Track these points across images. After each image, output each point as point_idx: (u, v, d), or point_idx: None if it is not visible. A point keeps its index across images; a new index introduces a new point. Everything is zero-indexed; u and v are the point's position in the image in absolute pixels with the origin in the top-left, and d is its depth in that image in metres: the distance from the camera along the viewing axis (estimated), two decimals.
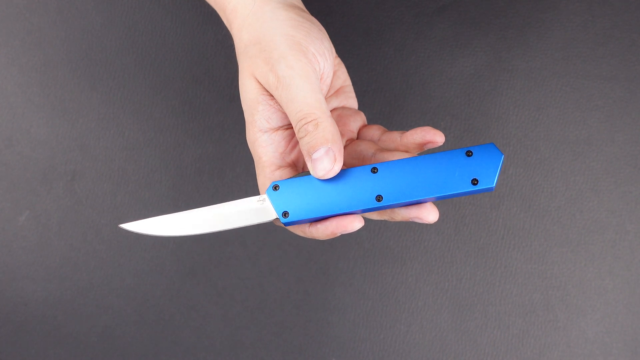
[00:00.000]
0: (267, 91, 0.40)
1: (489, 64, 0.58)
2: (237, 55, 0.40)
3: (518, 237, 0.58)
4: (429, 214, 0.38)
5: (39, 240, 0.60)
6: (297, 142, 0.40)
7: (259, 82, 0.40)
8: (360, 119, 0.44)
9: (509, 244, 0.58)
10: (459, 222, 0.59)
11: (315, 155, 0.38)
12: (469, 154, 0.38)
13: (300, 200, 0.38)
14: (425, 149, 0.40)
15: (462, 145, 0.58)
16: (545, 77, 0.58)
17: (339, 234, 0.38)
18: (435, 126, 0.59)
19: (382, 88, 0.59)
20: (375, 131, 0.42)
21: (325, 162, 0.38)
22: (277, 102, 0.40)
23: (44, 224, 0.60)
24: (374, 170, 0.38)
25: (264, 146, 0.40)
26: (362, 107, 0.59)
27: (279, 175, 0.40)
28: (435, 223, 0.59)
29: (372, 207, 0.38)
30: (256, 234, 0.59)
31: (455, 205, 0.59)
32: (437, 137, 0.39)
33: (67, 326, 0.59)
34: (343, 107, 0.43)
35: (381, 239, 0.59)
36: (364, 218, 0.45)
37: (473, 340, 0.58)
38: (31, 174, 0.59)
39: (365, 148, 0.40)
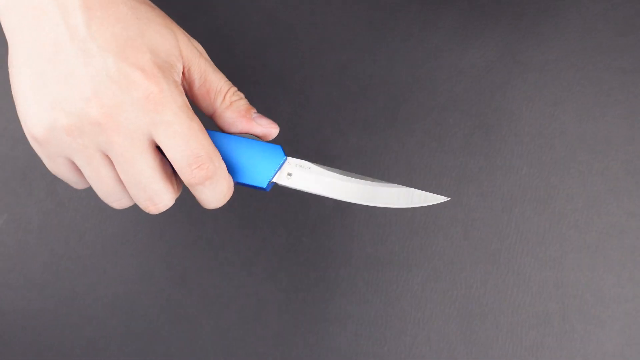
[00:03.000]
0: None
1: (501, 56, 0.59)
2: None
3: (532, 242, 0.58)
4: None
5: (17, 246, 0.59)
6: None
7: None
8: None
9: (522, 249, 0.58)
10: (469, 226, 0.59)
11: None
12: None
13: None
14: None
15: (473, 142, 0.58)
16: (562, 70, 0.59)
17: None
18: (443, 122, 0.58)
19: (386, 81, 0.59)
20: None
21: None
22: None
23: (23, 228, 0.59)
24: None
25: None
26: (364, 101, 0.59)
27: None
28: (444, 227, 0.58)
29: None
30: (252, 238, 0.59)
31: (465, 208, 0.58)
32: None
33: (48, 338, 0.59)
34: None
35: (385, 244, 0.59)
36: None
37: (484, 353, 0.58)
38: (10, 173, 0.59)
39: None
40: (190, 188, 0.42)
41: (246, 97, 0.59)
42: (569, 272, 0.58)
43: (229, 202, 0.59)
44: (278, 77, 0.59)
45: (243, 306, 0.59)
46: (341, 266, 0.58)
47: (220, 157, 0.41)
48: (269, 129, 0.44)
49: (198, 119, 0.41)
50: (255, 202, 0.59)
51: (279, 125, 0.58)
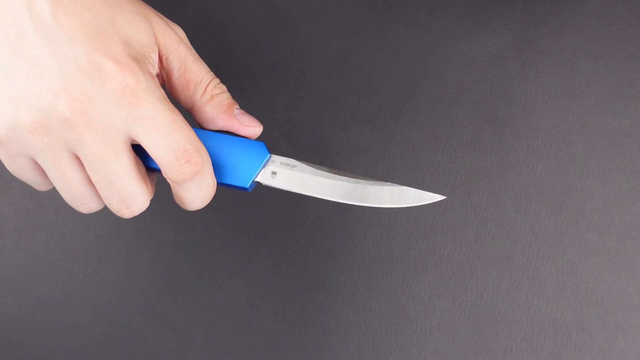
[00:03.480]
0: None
1: (515, 44, 0.58)
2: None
3: (548, 244, 0.58)
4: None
5: None
6: None
7: None
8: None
9: (537, 252, 0.58)
10: (480, 228, 0.58)
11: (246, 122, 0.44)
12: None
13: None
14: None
15: (485, 138, 0.58)
16: (580, 59, 0.58)
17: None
18: (453, 116, 0.58)
19: (390, 71, 0.59)
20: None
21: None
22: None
23: None
24: None
25: None
26: (367, 93, 0.59)
27: None
28: (453, 229, 0.58)
29: None
30: (245, 241, 0.58)
31: (475, 209, 0.58)
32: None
33: (26, 348, 0.58)
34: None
35: (389, 247, 0.58)
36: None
37: None
38: None
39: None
40: (175, 186, 0.41)
41: (239, 89, 0.59)
42: (588, 277, 0.58)
43: (219, 201, 0.59)
44: (274, 68, 0.59)
45: (235, 314, 0.58)
46: (342, 271, 0.58)
47: (206, 150, 0.41)
48: (252, 128, 0.44)
49: (179, 112, 0.40)
50: (249, 202, 0.59)
51: (275, 120, 0.59)
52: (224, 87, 0.44)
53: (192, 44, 0.59)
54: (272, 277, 0.59)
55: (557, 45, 0.58)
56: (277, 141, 0.59)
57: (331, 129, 0.59)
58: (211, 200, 0.59)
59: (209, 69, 0.43)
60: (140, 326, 0.58)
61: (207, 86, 0.43)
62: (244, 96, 0.59)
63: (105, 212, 0.60)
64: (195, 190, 0.41)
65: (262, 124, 0.55)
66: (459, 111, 0.58)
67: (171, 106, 0.39)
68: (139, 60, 0.39)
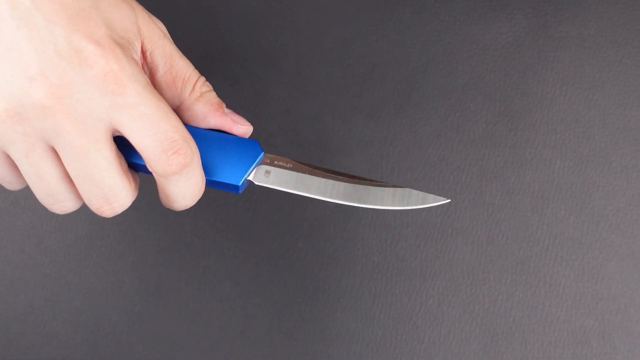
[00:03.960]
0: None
1: (531, 31, 0.59)
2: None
3: (567, 247, 0.58)
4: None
5: None
6: None
7: None
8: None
9: (555, 256, 0.58)
10: (493, 229, 0.58)
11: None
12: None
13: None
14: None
15: (498, 132, 0.59)
16: (602, 47, 0.58)
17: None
18: (463, 108, 0.59)
19: (396, 60, 0.59)
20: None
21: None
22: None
23: None
24: None
25: None
26: (370, 83, 0.59)
27: None
28: (464, 230, 0.58)
29: None
30: (238, 243, 0.59)
31: (488, 209, 0.58)
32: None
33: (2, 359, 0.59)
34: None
35: (395, 250, 0.58)
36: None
37: None
38: None
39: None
40: (162, 181, 0.41)
41: (231, 79, 0.59)
42: (610, 282, 0.58)
43: (211, 200, 0.59)
44: (269, 56, 0.59)
45: (228, 323, 0.59)
46: (343, 276, 0.59)
47: (194, 140, 0.41)
48: (244, 126, 0.45)
49: (164, 100, 0.41)
50: (243, 201, 0.59)
51: (271, 112, 0.59)
52: (210, 85, 0.45)
53: (180, 29, 0.59)
54: (267, 282, 0.59)
55: (577, 32, 0.59)
56: (273, 136, 0.59)
57: (331, 122, 0.59)
58: (201, 200, 0.59)
59: (193, 66, 0.44)
60: (125, 335, 0.59)
61: (195, 83, 0.43)
62: (237, 87, 0.59)
63: (86, 211, 0.59)
64: (184, 185, 0.41)
65: (256, 116, 0.58)
66: (469, 102, 0.59)
67: (157, 94, 0.39)
68: (122, 45, 0.39)
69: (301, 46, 0.59)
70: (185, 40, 0.60)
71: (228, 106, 0.58)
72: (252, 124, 0.58)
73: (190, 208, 0.59)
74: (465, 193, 0.58)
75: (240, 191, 0.44)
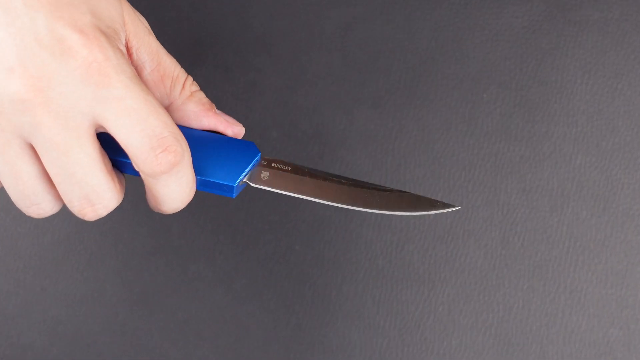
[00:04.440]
0: None
1: (549, 14, 0.59)
2: None
3: (588, 250, 0.57)
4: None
5: None
6: None
7: None
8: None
9: (576, 260, 0.58)
10: (508, 231, 0.58)
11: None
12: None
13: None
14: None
15: (514, 124, 0.59)
16: (626, 32, 0.58)
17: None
18: (475, 99, 0.59)
19: (402, 47, 0.59)
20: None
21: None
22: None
23: None
24: None
25: None
26: (374, 72, 0.59)
27: None
28: (476, 232, 0.58)
29: None
30: (230, 246, 0.58)
31: (503, 209, 0.58)
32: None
33: None
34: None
35: (401, 254, 0.58)
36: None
37: None
38: None
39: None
40: (150, 181, 0.41)
41: (223, 67, 0.59)
42: (636, 289, 0.58)
43: (200, 200, 0.59)
44: (264, 42, 0.59)
45: (219, 333, 0.58)
46: (345, 282, 0.58)
47: (185, 139, 0.41)
48: (238, 127, 0.46)
49: (153, 93, 0.42)
50: (235, 201, 0.59)
51: (266, 103, 0.59)
52: (197, 84, 0.46)
53: (166, 13, 0.60)
54: (262, 288, 0.59)
55: (599, 15, 0.59)
56: (268, 129, 0.59)
57: (331, 114, 0.59)
58: (191, 200, 0.57)
59: (179, 64, 0.46)
60: (106, 347, 0.59)
61: (184, 82, 0.44)
62: (229, 76, 0.59)
63: (64, 212, 0.59)
64: (174, 186, 0.41)
65: (249, 108, 0.58)
66: (482, 93, 0.59)
67: (144, 87, 0.40)
68: (108, 34, 0.39)
69: (298, 31, 0.59)
70: (172, 25, 0.60)
71: (219, 96, 0.59)
72: (245, 116, 0.59)
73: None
74: (478, 191, 0.58)
75: (235, 194, 0.44)
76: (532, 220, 0.58)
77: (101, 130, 0.40)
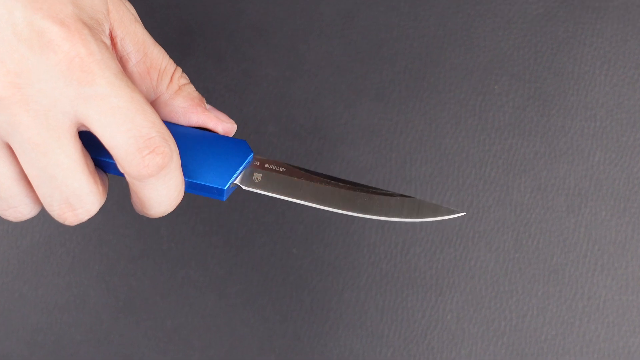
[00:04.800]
0: None
1: (566, 0, 0.59)
2: None
3: (608, 254, 0.57)
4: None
5: None
6: None
7: None
8: None
9: (594, 264, 0.57)
10: (521, 233, 0.58)
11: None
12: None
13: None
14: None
15: (527, 118, 0.58)
16: None
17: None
18: (486, 91, 0.59)
19: (408, 35, 0.59)
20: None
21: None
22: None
23: None
24: None
25: None
26: (378, 62, 0.59)
27: None
28: (487, 234, 0.58)
29: None
30: (223, 250, 0.58)
31: (516, 209, 0.58)
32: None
33: None
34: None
35: (407, 257, 0.58)
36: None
37: None
38: None
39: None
40: (136, 184, 0.41)
41: (216, 57, 0.59)
42: None
43: (190, 200, 0.59)
44: (259, 29, 0.59)
45: (211, 343, 0.59)
46: (346, 288, 0.58)
47: (173, 139, 0.41)
48: (229, 124, 0.45)
49: (139, 90, 0.41)
50: (228, 201, 0.58)
51: (261, 95, 0.59)
52: (187, 77, 0.45)
53: (157, 1, 0.60)
54: (256, 295, 0.59)
55: (619, 1, 0.59)
56: (264, 123, 0.58)
57: (332, 107, 0.59)
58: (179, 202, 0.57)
59: (168, 55, 0.45)
60: (89, 357, 0.59)
61: (172, 74, 0.44)
62: (221, 66, 0.59)
63: (45, 213, 0.59)
64: (161, 189, 0.41)
65: (243, 100, 0.59)
66: (494, 84, 0.59)
67: (130, 83, 0.39)
68: (91, 26, 0.39)
69: (296, 18, 0.59)
70: (160, 11, 0.60)
71: (211, 88, 0.59)
72: (238, 109, 0.59)
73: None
74: (489, 190, 0.58)
75: (225, 197, 0.44)
76: (547, 221, 0.58)
77: (83, 129, 0.40)
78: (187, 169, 0.44)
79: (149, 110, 0.40)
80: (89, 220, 0.58)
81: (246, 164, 0.44)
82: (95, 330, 0.58)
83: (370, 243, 0.58)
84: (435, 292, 0.58)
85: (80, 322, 0.58)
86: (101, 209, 0.59)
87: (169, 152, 0.40)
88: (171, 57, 0.55)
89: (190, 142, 0.44)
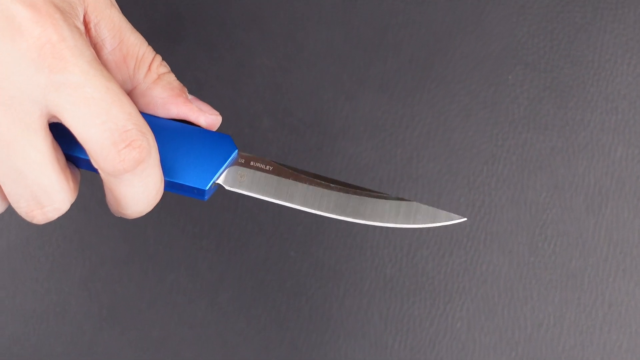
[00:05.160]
0: None
1: None
2: None
3: (630, 257, 0.57)
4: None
5: None
6: None
7: None
8: None
9: (616, 268, 0.56)
10: (537, 235, 0.57)
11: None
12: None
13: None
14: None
15: (543, 111, 0.58)
16: None
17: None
18: (499, 81, 0.58)
19: (414, 21, 0.58)
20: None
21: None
22: None
23: None
24: None
25: None
26: (382, 50, 0.59)
27: None
28: (499, 236, 0.57)
29: None
30: (214, 253, 0.58)
31: (531, 208, 0.57)
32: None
33: None
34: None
35: (413, 261, 0.57)
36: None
37: None
38: None
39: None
40: (111, 181, 0.40)
41: (206, 46, 0.59)
42: None
43: (179, 199, 0.58)
44: (253, 15, 0.58)
45: (201, 354, 0.58)
46: (348, 294, 0.58)
47: (152, 132, 0.40)
48: (212, 116, 0.45)
49: (115, 80, 0.41)
50: (220, 199, 0.58)
51: (256, 87, 0.59)
52: (168, 66, 0.45)
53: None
54: (251, 302, 0.58)
55: None
56: (258, 117, 0.58)
57: (332, 99, 0.58)
58: (168, 197, 0.59)
59: (147, 42, 0.45)
60: None
61: (151, 63, 0.43)
62: (213, 55, 0.58)
63: (16, 215, 0.57)
64: (138, 186, 0.40)
65: (237, 92, 0.59)
66: (507, 74, 0.58)
67: (106, 72, 0.39)
68: (63, 10, 0.39)
69: (294, 3, 0.59)
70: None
71: (202, 78, 0.59)
72: (231, 101, 0.59)
73: (154, 208, 0.58)
74: (502, 188, 0.57)
75: (206, 197, 0.43)
76: (565, 222, 0.57)
77: (54, 120, 0.39)
78: (164, 167, 0.43)
79: (125, 101, 0.39)
80: (70, 221, 0.59)
81: (230, 162, 0.44)
82: (76, 341, 0.58)
83: (374, 245, 0.58)
84: (444, 298, 0.57)
85: (61, 332, 0.58)
86: (83, 208, 0.59)
87: (147, 147, 0.39)
88: (159, 45, 0.56)
89: (169, 136, 0.43)
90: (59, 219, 0.59)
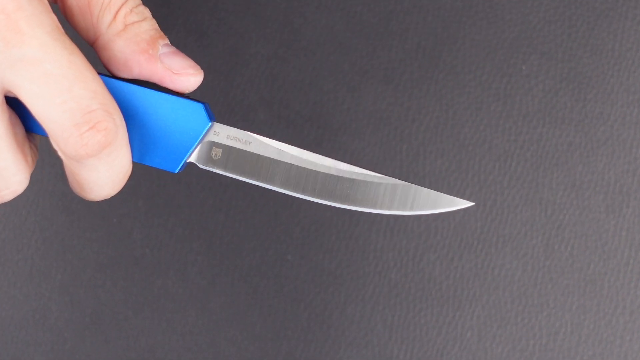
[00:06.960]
0: None
1: None
2: None
3: None
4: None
5: None
6: None
7: None
8: None
9: (638, 273, 0.56)
10: (553, 237, 0.56)
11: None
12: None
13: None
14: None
15: (560, 104, 0.56)
16: None
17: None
18: (512, 72, 0.57)
19: (421, 6, 0.57)
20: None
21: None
22: None
23: None
24: None
25: None
26: (386, 38, 0.58)
27: None
28: (513, 238, 0.57)
29: None
30: (206, 256, 0.57)
31: (546, 209, 0.56)
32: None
33: None
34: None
35: (419, 266, 0.56)
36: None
37: None
38: None
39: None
40: (72, 164, 0.40)
41: (198, 31, 0.58)
42: None
43: (169, 198, 0.58)
44: (249, 0, 0.57)
45: None
46: (349, 300, 0.57)
47: (120, 111, 0.39)
48: (186, 77, 0.42)
49: (80, 51, 0.39)
50: (211, 199, 0.57)
51: (251, 77, 0.58)
52: (145, 12, 0.41)
53: None
54: (245, 309, 0.57)
55: None
56: (253, 109, 0.57)
57: (333, 90, 0.57)
58: (156, 198, 0.58)
59: None
60: None
61: (118, 10, 0.41)
62: (205, 42, 0.57)
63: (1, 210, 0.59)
64: (104, 170, 0.40)
65: (230, 82, 0.58)
66: (521, 63, 0.57)
67: (69, 42, 0.38)
68: None
69: None
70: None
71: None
72: (224, 92, 0.58)
73: (140, 208, 0.58)
74: (516, 187, 0.56)
75: (177, 171, 0.42)
76: (583, 223, 0.57)
77: (11, 95, 0.38)
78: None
79: (90, 76, 0.38)
80: (50, 222, 0.58)
81: (202, 136, 0.42)
82: (57, 350, 0.57)
83: (377, 248, 0.57)
84: (453, 305, 0.57)
85: (40, 340, 0.57)
86: (64, 209, 0.58)
87: (113, 128, 0.38)
88: None
89: (132, 107, 0.41)
90: (38, 219, 0.58)
